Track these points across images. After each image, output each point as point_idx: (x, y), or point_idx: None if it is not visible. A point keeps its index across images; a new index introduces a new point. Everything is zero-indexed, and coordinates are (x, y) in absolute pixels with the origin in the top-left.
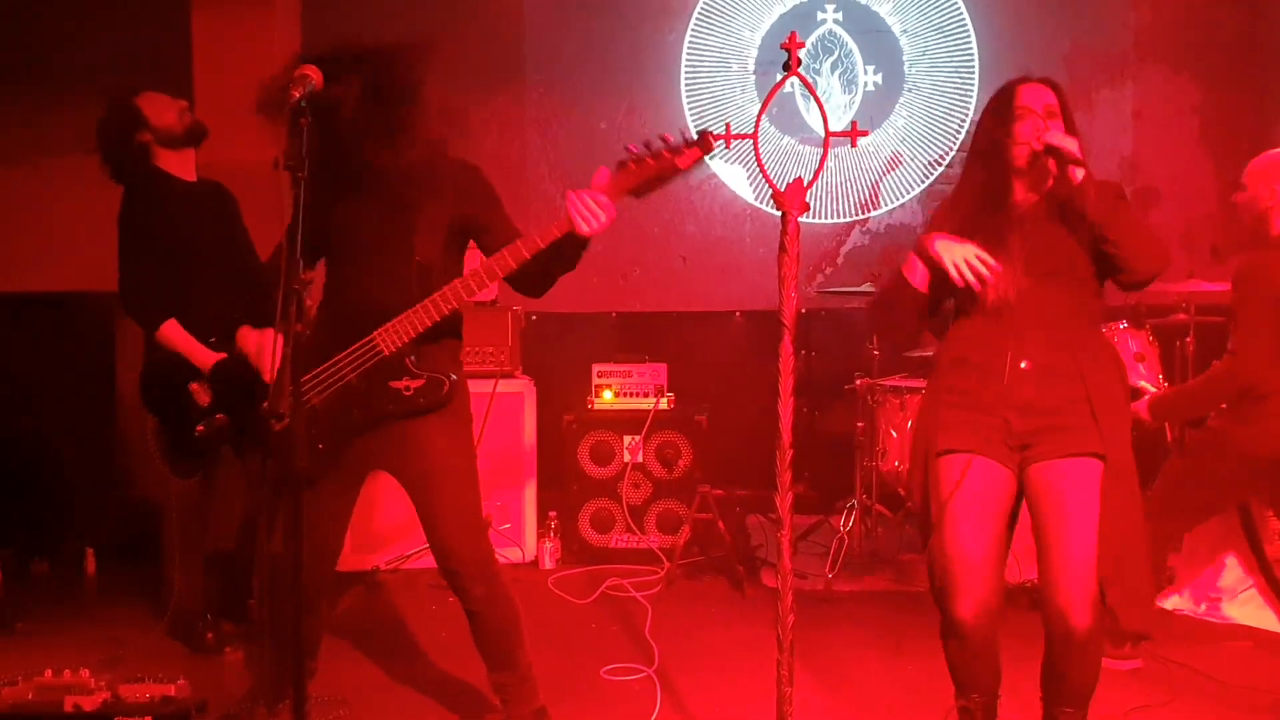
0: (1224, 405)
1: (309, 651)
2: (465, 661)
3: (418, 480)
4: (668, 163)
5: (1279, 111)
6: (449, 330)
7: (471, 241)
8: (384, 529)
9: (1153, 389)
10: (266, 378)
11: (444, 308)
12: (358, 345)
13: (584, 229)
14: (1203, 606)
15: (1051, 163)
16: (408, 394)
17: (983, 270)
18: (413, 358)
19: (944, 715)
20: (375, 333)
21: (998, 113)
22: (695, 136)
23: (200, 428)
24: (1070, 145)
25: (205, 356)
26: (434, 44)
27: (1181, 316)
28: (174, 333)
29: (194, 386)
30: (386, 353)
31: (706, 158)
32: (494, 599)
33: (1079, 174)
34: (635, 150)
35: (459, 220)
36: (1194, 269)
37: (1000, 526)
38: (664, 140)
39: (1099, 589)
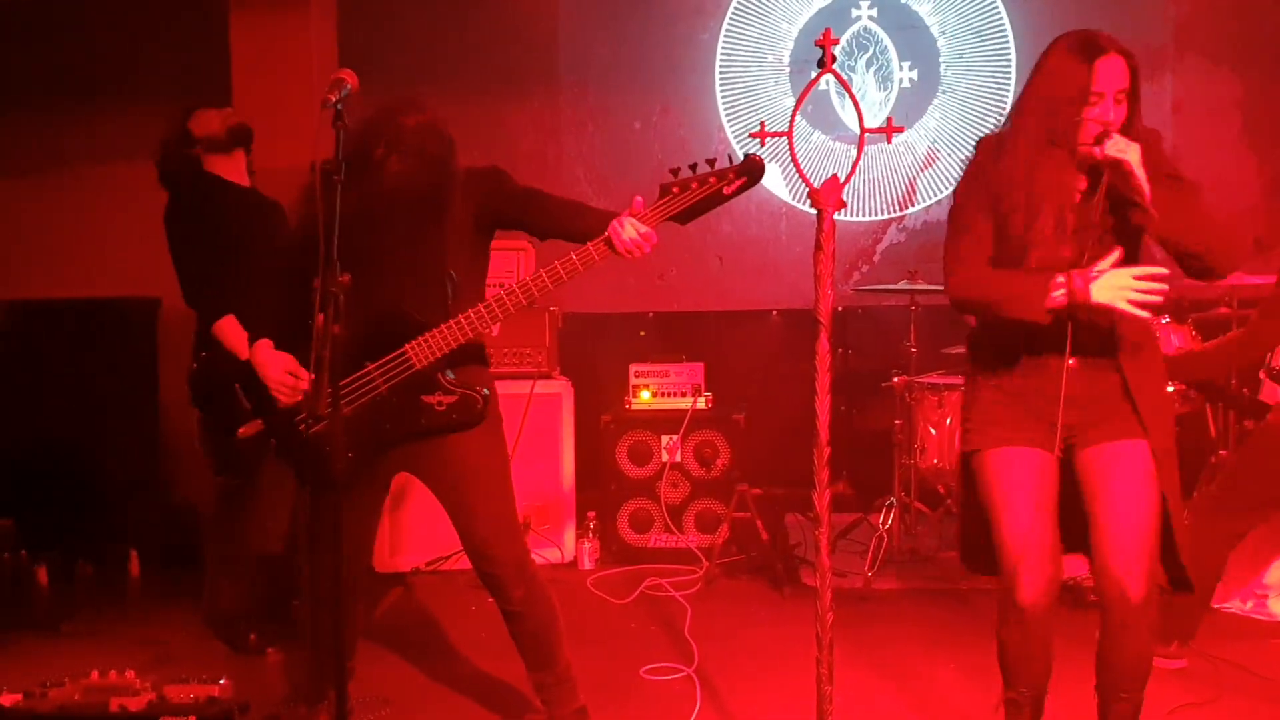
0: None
1: (347, 652)
2: (505, 661)
3: (450, 484)
4: (713, 189)
5: None
6: (478, 345)
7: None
8: (421, 530)
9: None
10: (278, 395)
11: (480, 326)
12: (390, 357)
13: (629, 257)
14: (1249, 604)
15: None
16: (440, 409)
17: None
18: (448, 373)
19: (986, 712)
20: (407, 346)
21: (1068, 79)
22: (742, 160)
23: (241, 430)
24: (1132, 160)
25: (257, 355)
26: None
27: (1224, 310)
28: (231, 328)
29: (239, 387)
30: (419, 366)
31: (751, 184)
32: (532, 600)
33: (1142, 191)
34: (679, 176)
35: (484, 219)
36: None
37: (1054, 514)
38: (710, 165)
39: (1154, 562)
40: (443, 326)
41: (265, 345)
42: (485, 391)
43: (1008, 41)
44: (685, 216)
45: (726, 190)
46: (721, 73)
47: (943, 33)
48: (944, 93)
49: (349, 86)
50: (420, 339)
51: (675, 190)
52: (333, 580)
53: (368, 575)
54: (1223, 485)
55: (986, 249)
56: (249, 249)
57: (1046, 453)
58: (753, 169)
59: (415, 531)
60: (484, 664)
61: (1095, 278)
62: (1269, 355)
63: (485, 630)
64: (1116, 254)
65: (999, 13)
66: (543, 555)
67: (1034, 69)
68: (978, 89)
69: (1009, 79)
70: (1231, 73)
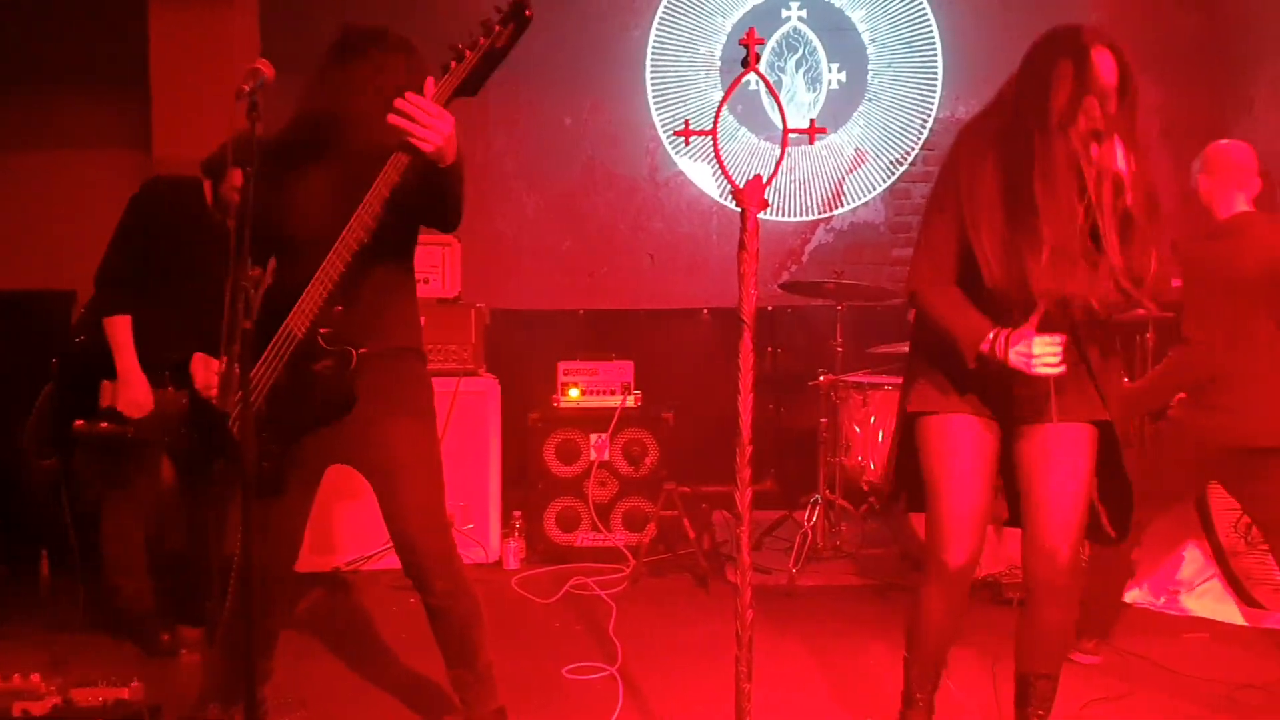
0: (1183, 395)
1: (265, 653)
2: (427, 661)
3: (381, 473)
4: (485, 49)
5: (1236, 111)
6: (411, 334)
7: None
8: (345, 529)
9: None
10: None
11: (334, 271)
12: (278, 335)
13: (426, 147)
14: (1162, 599)
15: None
16: (328, 375)
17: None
18: (323, 332)
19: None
20: (289, 317)
21: (1071, 78)
22: (507, 9)
23: (80, 422)
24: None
25: (129, 365)
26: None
27: (1141, 312)
28: (122, 329)
29: (106, 384)
30: (300, 334)
31: (520, 31)
32: (456, 594)
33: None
34: (452, 49)
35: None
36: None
37: (990, 483)
38: (482, 26)
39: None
40: (308, 285)
41: (198, 356)
42: (361, 350)
43: (936, 54)
44: (471, 85)
45: (499, 44)
46: (652, 69)
47: (873, 40)
48: (870, 100)
49: (265, 77)
50: (295, 306)
51: (452, 64)
52: (245, 580)
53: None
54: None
55: (951, 258)
56: (192, 276)
57: (985, 421)
58: (519, 14)
59: (339, 530)
60: (405, 664)
61: (1015, 343)
62: None
63: (407, 630)
64: (1035, 316)
65: (929, 24)
66: (467, 555)
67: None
68: (903, 99)
69: (934, 91)
70: (1150, 79)
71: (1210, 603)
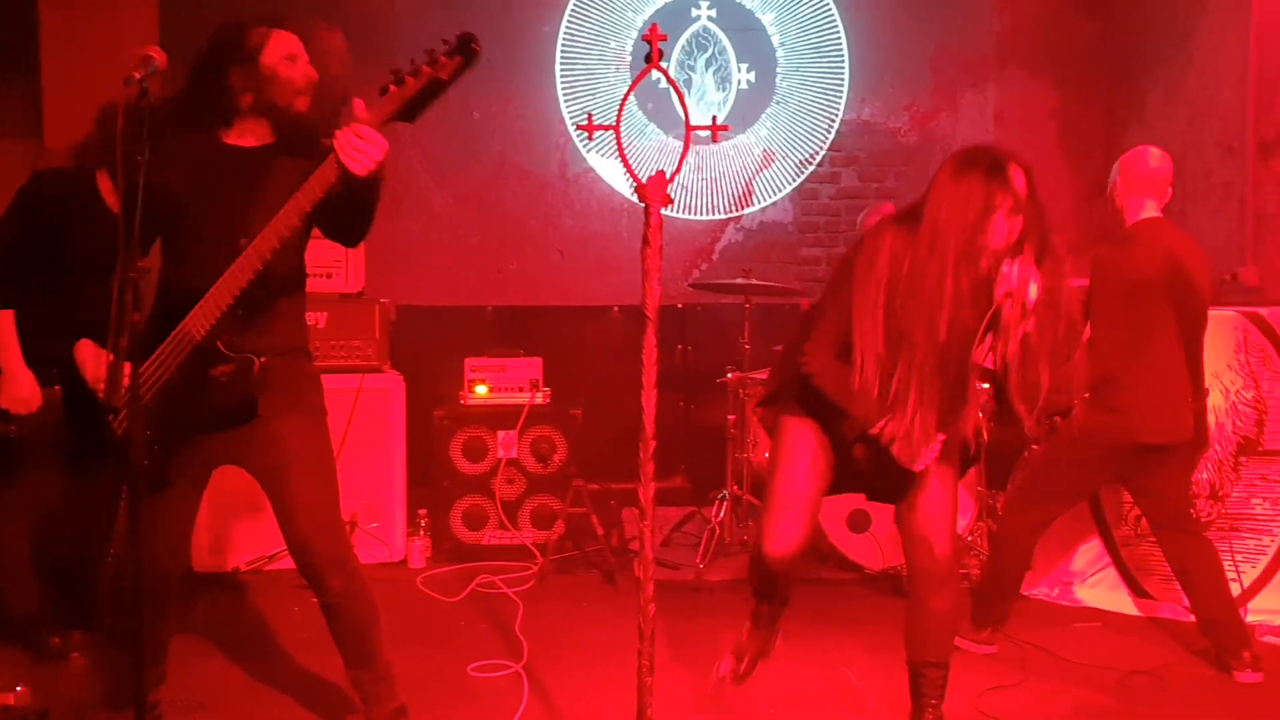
0: (1086, 395)
1: (157, 656)
2: (326, 662)
3: (271, 473)
4: (428, 78)
5: (1129, 116)
6: (297, 333)
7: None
8: (244, 529)
9: None
10: (101, 395)
11: (242, 279)
12: (173, 335)
13: (358, 169)
14: (1056, 590)
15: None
16: (224, 381)
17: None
18: (223, 340)
19: (810, 697)
20: (187, 318)
21: (975, 201)
22: (455, 43)
23: None
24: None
25: (13, 361)
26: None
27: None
28: (5, 324)
29: None
30: (198, 337)
31: (467, 65)
32: (352, 593)
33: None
34: (394, 73)
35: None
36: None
37: (823, 481)
38: (427, 54)
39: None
40: (211, 290)
41: (85, 344)
42: (262, 358)
43: (843, 57)
44: (409, 112)
45: (443, 75)
46: (562, 65)
47: (782, 42)
48: (778, 103)
49: (156, 63)
50: (196, 308)
51: (392, 89)
52: (136, 581)
53: (185, 575)
54: (1026, 477)
55: (842, 336)
56: (73, 269)
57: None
58: (466, 48)
59: (238, 530)
60: (305, 664)
61: (896, 444)
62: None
63: (307, 630)
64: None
65: (836, 28)
66: (371, 554)
67: (945, 184)
68: (811, 101)
69: (841, 94)
70: (1049, 84)
71: (1102, 593)
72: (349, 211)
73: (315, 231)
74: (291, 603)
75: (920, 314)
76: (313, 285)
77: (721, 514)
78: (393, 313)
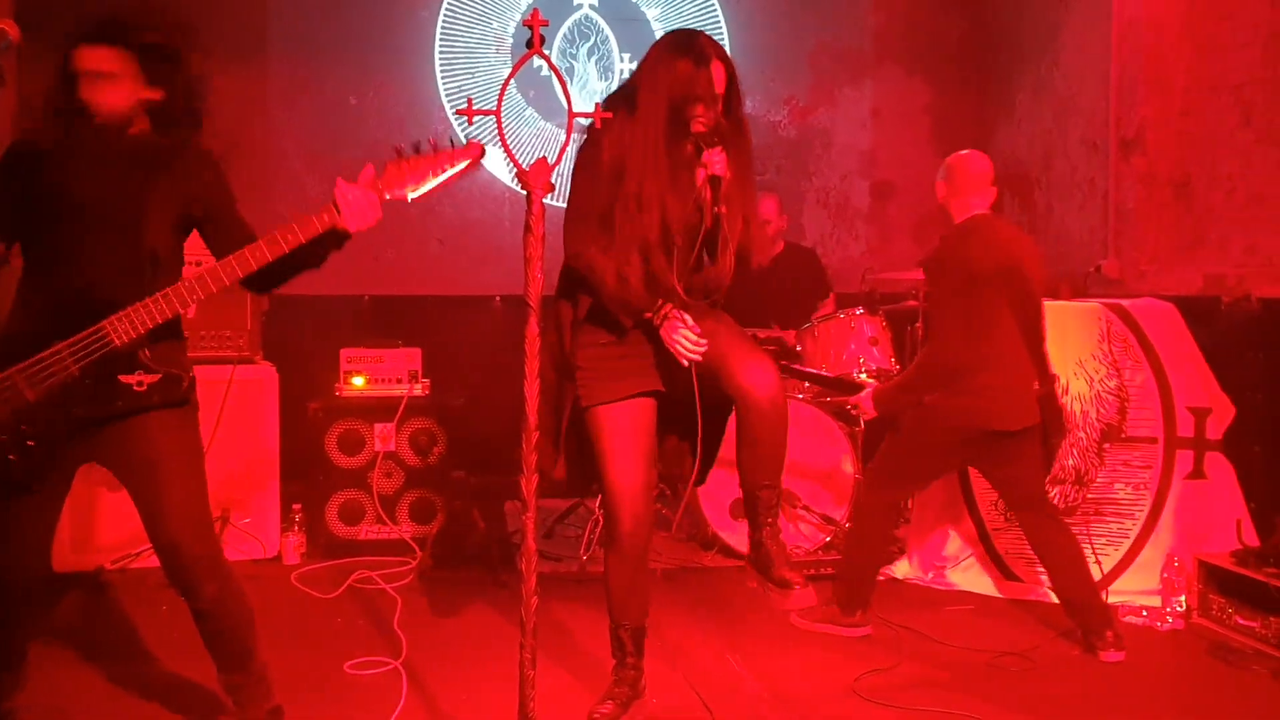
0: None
1: (15, 661)
2: (197, 662)
3: (138, 473)
4: (444, 177)
5: (999, 113)
6: (176, 322)
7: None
8: (109, 526)
9: (873, 382)
10: None
11: (189, 299)
12: (84, 335)
13: (355, 227)
14: (929, 574)
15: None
16: (140, 389)
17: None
18: (148, 351)
19: (687, 688)
20: (105, 322)
21: (686, 81)
22: (464, 147)
23: None
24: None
25: None
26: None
27: (912, 303)
28: None
29: None
30: (118, 344)
31: (472, 166)
32: (224, 597)
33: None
34: (400, 150)
35: (188, 208)
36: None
37: (652, 457)
38: (433, 147)
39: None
40: (146, 301)
41: None
42: (191, 373)
43: (723, 36)
44: (413, 191)
45: (453, 177)
46: (441, 51)
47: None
48: None
49: (10, 39)
50: (119, 314)
51: (404, 164)
52: None
53: (45, 576)
54: (879, 459)
55: (600, 214)
56: None
57: (643, 399)
58: (473, 152)
59: (103, 527)
60: (174, 665)
61: (672, 327)
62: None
63: (177, 630)
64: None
65: (718, 25)
66: (245, 550)
67: (652, 63)
68: None
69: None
70: (923, 81)
71: (973, 577)
72: (299, 262)
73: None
74: (160, 601)
75: (641, 191)
76: (188, 274)
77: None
78: (265, 302)
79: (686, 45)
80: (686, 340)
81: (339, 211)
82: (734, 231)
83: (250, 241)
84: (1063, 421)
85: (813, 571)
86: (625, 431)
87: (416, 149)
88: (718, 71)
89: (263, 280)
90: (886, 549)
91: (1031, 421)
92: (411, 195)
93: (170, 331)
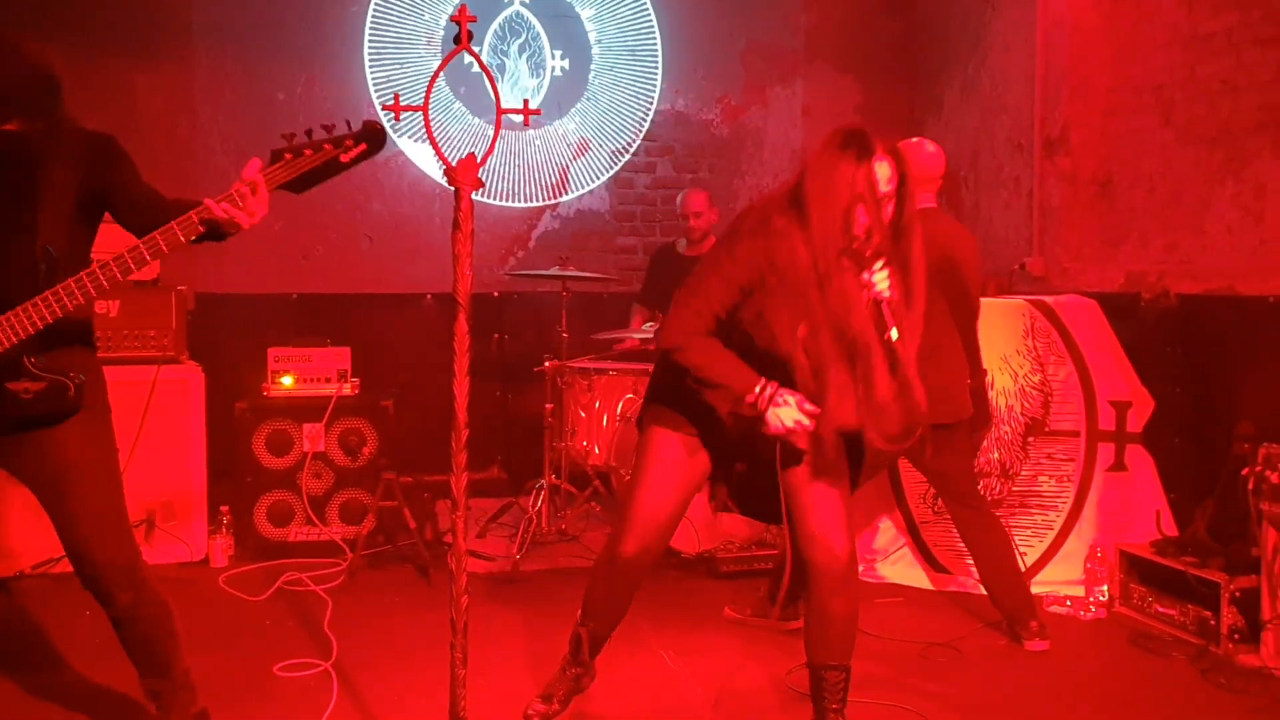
0: None
1: None
2: (121, 670)
3: (47, 480)
4: (329, 156)
5: (928, 113)
6: (79, 321)
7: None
8: (27, 531)
9: None
10: None
11: (69, 302)
12: None
13: (243, 221)
14: (860, 568)
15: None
16: (26, 398)
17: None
18: (33, 358)
19: (619, 684)
20: None
21: (849, 184)
22: (361, 127)
23: None
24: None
25: None
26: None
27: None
28: None
29: None
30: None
31: (371, 153)
32: (142, 603)
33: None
34: (293, 141)
35: (88, 194)
36: None
37: (685, 500)
38: (327, 131)
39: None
40: (26, 305)
41: None
42: (80, 378)
43: (656, 49)
44: (299, 185)
45: (344, 158)
46: (371, 47)
47: (597, 31)
48: (592, 91)
49: None
50: (1, 319)
51: (288, 157)
52: None
53: None
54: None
55: (715, 320)
56: None
57: (705, 451)
58: (372, 136)
59: (20, 532)
60: (96, 672)
61: (778, 404)
62: None
63: (100, 637)
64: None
65: (650, 23)
66: (171, 553)
67: (819, 167)
68: (625, 93)
69: (655, 84)
70: (853, 81)
71: (902, 569)
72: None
73: (106, 216)
74: (82, 606)
75: (813, 301)
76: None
77: (538, 504)
78: (191, 301)
79: (850, 139)
80: (789, 412)
81: (212, 211)
82: (909, 357)
83: (157, 198)
84: (989, 414)
85: (745, 567)
86: (672, 466)
87: (309, 136)
88: (883, 170)
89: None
90: None
91: (965, 415)
92: (301, 190)
93: (67, 335)
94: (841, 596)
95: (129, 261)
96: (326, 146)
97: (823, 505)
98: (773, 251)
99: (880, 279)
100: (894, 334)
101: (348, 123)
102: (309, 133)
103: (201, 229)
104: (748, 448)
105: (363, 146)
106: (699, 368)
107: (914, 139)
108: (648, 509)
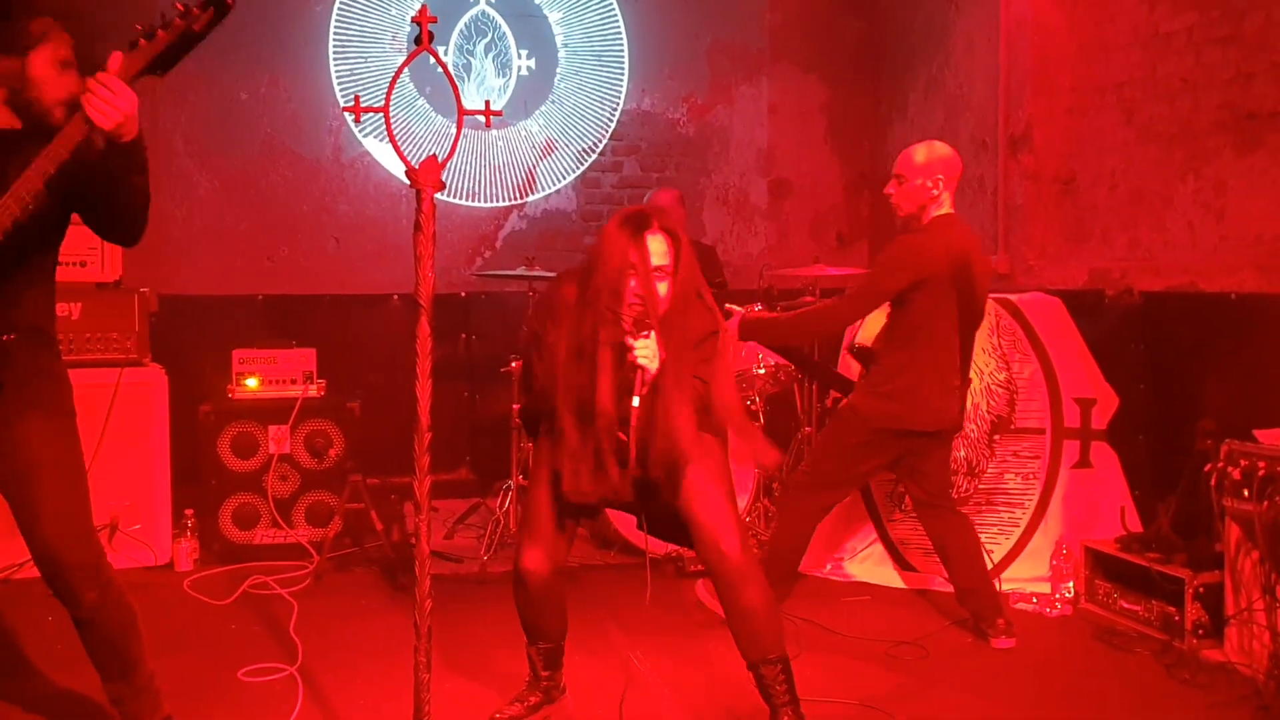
0: (809, 345)
1: None
2: (84, 676)
3: (12, 483)
4: (180, 29)
5: (893, 111)
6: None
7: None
8: None
9: (740, 310)
10: None
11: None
12: None
13: (103, 122)
14: (828, 566)
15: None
16: None
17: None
18: None
19: (589, 684)
20: None
21: (620, 255)
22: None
23: None
24: (651, 368)
25: None
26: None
27: (809, 299)
28: None
29: None
30: None
31: (220, 17)
32: (106, 605)
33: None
34: (144, 26)
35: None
36: (820, 255)
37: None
38: (176, 8)
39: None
40: None
41: None
42: (8, 336)
43: (622, 49)
44: (161, 64)
45: (196, 27)
46: (335, 46)
47: (563, 32)
48: (559, 91)
49: None
50: None
51: (142, 43)
52: None
53: None
54: (808, 463)
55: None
56: None
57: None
58: (219, 1)
59: None
60: (59, 677)
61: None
62: (848, 333)
63: (62, 642)
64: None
65: (616, 22)
66: (136, 557)
67: (600, 241)
68: (591, 93)
69: (620, 86)
70: (818, 79)
71: (870, 568)
72: (105, 188)
73: (75, 218)
74: (44, 612)
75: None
76: (66, 274)
77: (506, 504)
78: (154, 303)
79: (628, 218)
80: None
81: (86, 115)
82: (665, 420)
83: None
84: (961, 418)
85: None
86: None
87: (161, 19)
88: (656, 244)
89: (102, 221)
90: (804, 551)
91: (947, 425)
92: (164, 71)
93: (33, 335)
94: (746, 590)
95: (22, 191)
96: (177, 22)
97: (705, 510)
98: (555, 311)
99: (643, 347)
100: (635, 401)
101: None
102: (162, 14)
103: (79, 136)
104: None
105: (210, 12)
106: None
107: (938, 143)
108: (540, 520)
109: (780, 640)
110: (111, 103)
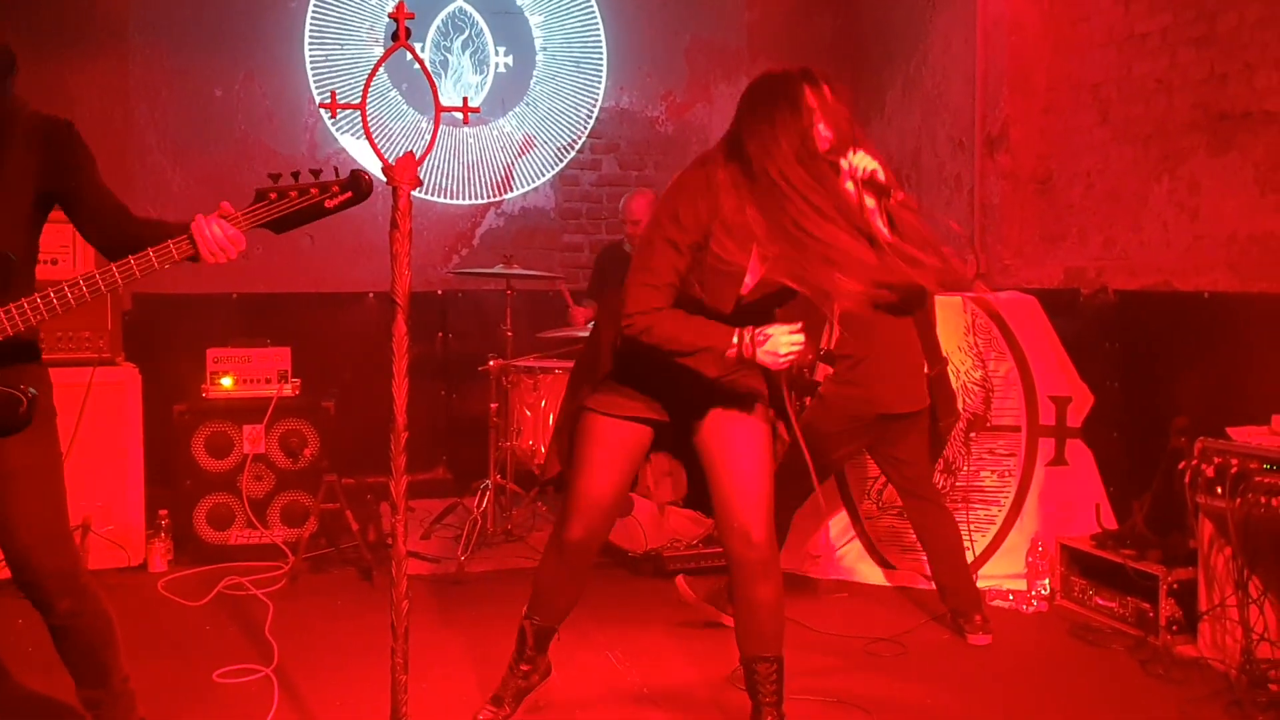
0: (829, 371)
1: None
2: (56, 679)
3: None
4: (314, 200)
5: (870, 110)
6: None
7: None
8: None
9: None
10: None
11: (34, 320)
12: None
13: (211, 260)
14: (806, 564)
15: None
16: None
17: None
18: None
19: (570, 683)
20: None
21: (791, 115)
22: (349, 176)
23: None
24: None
25: None
26: None
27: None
28: None
29: None
30: None
31: (354, 203)
32: (82, 612)
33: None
34: (279, 182)
35: (45, 195)
36: None
37: (627, 482)
38: (315, 176)
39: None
40: None
41: None
42: (32, 392)
43: (601, 46)
44: (280, 225)
45: (329, 204)
46: (311, 42)
47: (542, 29)
48: (537, 88)
49: None
50: None
51: (273, 196)
52: None
53: None
54: (784, 456)
55: (671, 289)
56: None
57: (644, 426)
58: (359, 185)
59: None
60: (30, 683)
61: (761, 341)
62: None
63: (33, 644)
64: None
65: (594, 19)
66: (109, 559)
67: (769, 101)
68: (570, 90)
69: (599, 84)
70: None
71: (848, 564)
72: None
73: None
74: (15, 615)
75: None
76: (37, 272)
77: (484, 504)
78: (127, 301)
79: (778, 84)
80: (777, 342)
81: (194, 244)
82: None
83: (121, 212)
84: (954, 404)
85: (692, 565)
86: (613, 448)
87: (295, 179)
88: (824, 91)
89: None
90: (784, 537)
91: (921, 405)
92: (281, 230)
93: (18, 348)
94: (763, 585)
95: (100, 283)
96: (313, 191)
97: (742, 493)
98: (718, 207)
99: (860, 159)
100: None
101: (335, 169)
102: (295, 175)
103: (179, 258)
104: (686, 430)
105: (348, 195)
106: (671, 339)
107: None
108: (591, 492)
109: (780, 640)
110: (225, 248)
